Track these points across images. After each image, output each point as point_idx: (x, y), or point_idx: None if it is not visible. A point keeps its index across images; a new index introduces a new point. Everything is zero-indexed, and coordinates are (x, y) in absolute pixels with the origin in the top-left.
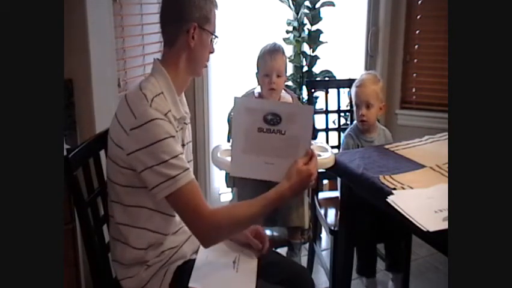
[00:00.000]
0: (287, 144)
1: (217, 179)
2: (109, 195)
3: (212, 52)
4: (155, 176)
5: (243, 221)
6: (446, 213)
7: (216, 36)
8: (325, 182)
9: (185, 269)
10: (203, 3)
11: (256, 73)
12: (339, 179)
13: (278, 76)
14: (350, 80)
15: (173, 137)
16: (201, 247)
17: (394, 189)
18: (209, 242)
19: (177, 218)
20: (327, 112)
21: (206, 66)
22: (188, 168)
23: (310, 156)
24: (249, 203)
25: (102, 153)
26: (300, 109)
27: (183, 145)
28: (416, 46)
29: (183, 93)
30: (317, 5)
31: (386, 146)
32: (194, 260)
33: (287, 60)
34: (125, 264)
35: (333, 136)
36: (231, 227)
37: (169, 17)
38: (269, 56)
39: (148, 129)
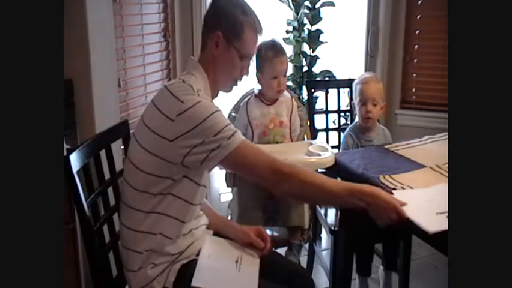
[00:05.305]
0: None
1: (217, 179)
2: (121, 198)
3: (243, 73)
4: (210, 145)
5: (316, 183)
6: (446, 215)
7: (245, 57)
8: None
9: (189, 268)
10: (232, 15)
11: (257, 73)
12: (339, 179)
13: (283, 76)
14: (350, 80)
15: (220, 111)
16: (203, 246)
17: (394, 189)
18: (280, 189)
19: (187, 224)
20: (327, 112)
21: (236, 85)
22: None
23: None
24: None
25: (102, 153)
26: None
27: None
28: (416, 46)
29: None
30: (317, 5)
31: (386, 146)
32: (197, 259)
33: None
34: (134, 271)
35: (333, 136)
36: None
37: (205, 20)
38: (277, 58)
39: (196, 109)
